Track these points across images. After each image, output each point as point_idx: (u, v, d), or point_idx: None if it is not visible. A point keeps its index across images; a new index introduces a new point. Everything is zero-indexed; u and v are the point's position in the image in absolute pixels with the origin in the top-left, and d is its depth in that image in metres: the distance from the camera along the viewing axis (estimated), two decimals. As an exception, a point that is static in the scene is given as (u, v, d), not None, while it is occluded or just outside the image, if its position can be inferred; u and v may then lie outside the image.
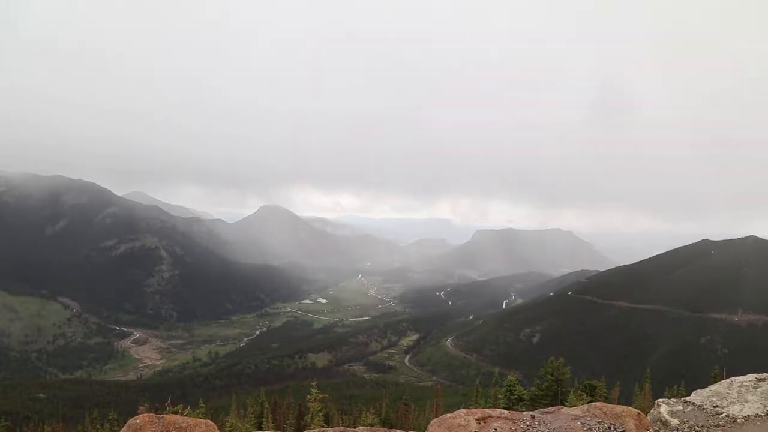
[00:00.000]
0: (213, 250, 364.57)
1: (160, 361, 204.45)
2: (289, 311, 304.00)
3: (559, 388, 31.26)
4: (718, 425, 5.77)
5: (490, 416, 7.30)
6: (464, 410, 7.57)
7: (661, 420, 6.16)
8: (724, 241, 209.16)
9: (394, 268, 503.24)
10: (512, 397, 31.93)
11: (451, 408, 16.77)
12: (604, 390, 35.08)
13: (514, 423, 7.02)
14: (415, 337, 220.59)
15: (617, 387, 50.99)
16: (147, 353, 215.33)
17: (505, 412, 7.56)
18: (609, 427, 6.72)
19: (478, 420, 7.15)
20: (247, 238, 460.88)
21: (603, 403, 7.60)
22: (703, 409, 6.12)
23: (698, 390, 6.73)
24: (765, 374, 6.68)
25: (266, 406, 48.78)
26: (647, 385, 46.87)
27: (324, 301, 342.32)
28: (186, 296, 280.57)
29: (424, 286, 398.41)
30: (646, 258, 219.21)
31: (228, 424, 29.55)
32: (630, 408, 7.36)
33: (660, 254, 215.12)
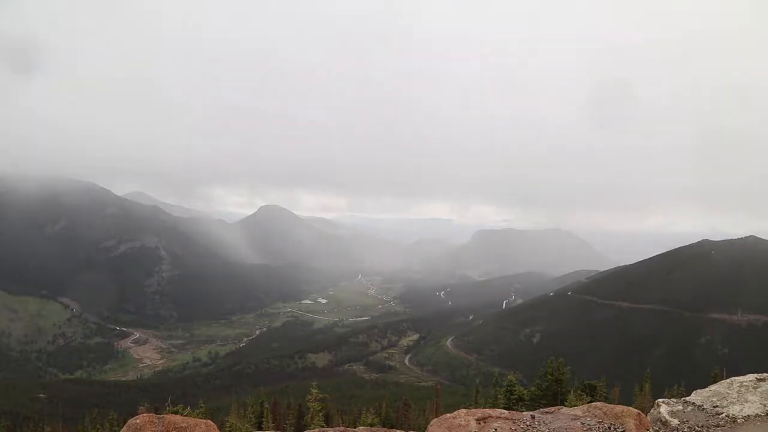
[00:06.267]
0: (213, 250, 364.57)
1: (160, 361, 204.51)
2: (289, 311, 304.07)
3: (559, 388, 31.29)
4: (718, 425, 5.77)
5: (490, 416, 7.29)
6: (464, 410, 7.57)
7: (661, 420, 6.16)
8: (724, 241, 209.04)
9: (394, 268, 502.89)
10: (512, 397, 31.97)
11: (451, 408, 16.76)
12: (604, 390, 35.13)
13: (514, 423, 7.02)
14: (415, 337, 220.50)
15: (617, 387, 51.05)
16: (147, 353, 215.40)
17: (505, 412, 7.56)
18: (609, 427, 6.72)
19: (478, 420, 7.15)
20: (247, 238, 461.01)
21: (603, 403, 7.60)
22: (703, 409, 6.11)
23: (698, 390, 6.72)
24: (765, 374, 6.68)
25: (266, 406, 48.80)
26: (647, 385, 46.89)
27: (324, 301, 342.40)
28: (186, 296, 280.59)
29: (424, 286, 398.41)
30: (646, 258, 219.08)
31: (228, 424, 29.54)
32: (630, 408, 7.36)
33: (660, 254, 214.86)
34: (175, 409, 23.76)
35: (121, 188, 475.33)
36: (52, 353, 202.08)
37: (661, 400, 6.64)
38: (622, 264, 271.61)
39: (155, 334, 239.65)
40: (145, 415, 7.23)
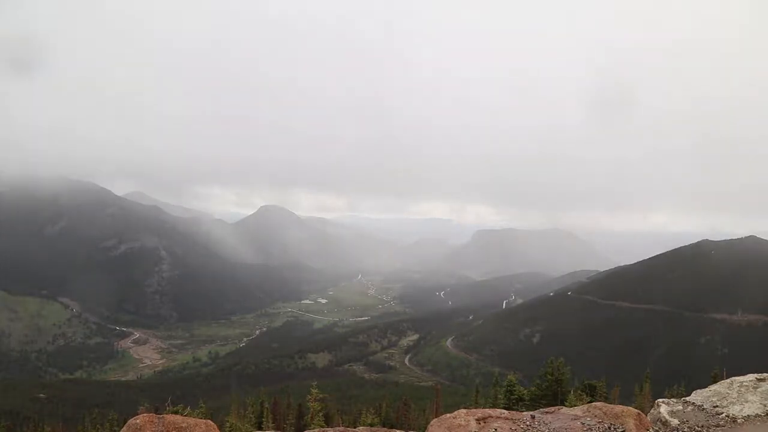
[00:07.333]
0: (213, 250, 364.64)
1: (160, 361, 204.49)
2: (289, 311, 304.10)
3: (559, 388, 31.29)
4: (718, 425, 5.77)
5: (490, 416, 7.30)
6: (464, 410, 7.58)
7: (661, 420, 6.16)
8: (724, 241, 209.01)
9: (394, 268, 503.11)
10: (512, 397, 31.96)
11: (451, 408, 16.77)
12: (604, 390, 35.15)
13: (514, 423, 7.02)
14: (415, 337, 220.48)
15: (617, 387, 51.03)
16: (147, 353, 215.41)
17: (505, 412, 7.56)
18: (609, 427, 6.73)
19: (478, 420, 7.15)
20: (247, 238, 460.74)
21: (603, 403, 7.61)
22: (703, 409, 6.12)
23: (698, 390, 6.73)
24: (765, 374, 6.68)
25: (266, 406, 48.84)
26: (647, 385, 46.91)
27: (324, 301, 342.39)
28: (186, 296, 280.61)
29: (424, 286, 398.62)
30: (646, 258, 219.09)
31: (228, 424, 29.54)
32: (630, 408, 7.36)
33: (660, 254, 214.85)
34: (175, 409, 23.77)
35: (121, 188, 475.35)
36: (52, 353, 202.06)
37: (661, 400, 6.65)
38: (622, 264, 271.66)
39: (155, 334, 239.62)
40: (145, 415, 7.24)
